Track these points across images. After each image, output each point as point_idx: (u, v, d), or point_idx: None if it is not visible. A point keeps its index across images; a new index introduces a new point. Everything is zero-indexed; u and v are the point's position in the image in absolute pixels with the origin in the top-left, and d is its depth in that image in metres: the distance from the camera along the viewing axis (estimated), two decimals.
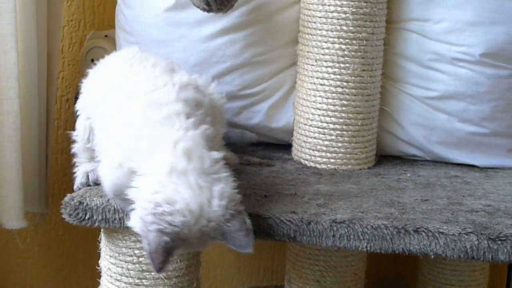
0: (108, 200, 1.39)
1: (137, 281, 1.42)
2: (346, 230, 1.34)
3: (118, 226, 1.39)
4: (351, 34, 1.62)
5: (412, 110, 1.72)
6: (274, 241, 1.37)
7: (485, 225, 1.36)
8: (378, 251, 1.35)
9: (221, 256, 2.29)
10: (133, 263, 1.43)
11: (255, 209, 1.38)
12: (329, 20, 1.62)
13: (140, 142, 1.26)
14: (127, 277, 1.43)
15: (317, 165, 1.68)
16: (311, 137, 1.68)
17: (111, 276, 1.45)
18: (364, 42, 1.62)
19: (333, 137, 1.66)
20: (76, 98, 1.84)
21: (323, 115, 1.66)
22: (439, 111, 1.71)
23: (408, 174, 1.66)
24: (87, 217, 1.39)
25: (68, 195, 1.42)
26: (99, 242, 1.49)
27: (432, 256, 1.34)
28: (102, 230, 1.46)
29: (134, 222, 1.21)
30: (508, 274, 2.27)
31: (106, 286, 1.46)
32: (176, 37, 1.70)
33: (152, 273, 1.42)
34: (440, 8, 1.66)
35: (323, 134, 1.66)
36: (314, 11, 1.63)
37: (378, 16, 1.63)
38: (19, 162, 1.79)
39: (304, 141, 1.69)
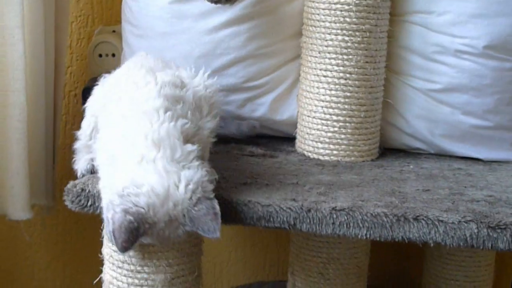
0: None
1: (138, 268, 1.42)
2: (345, 218, 1.35)
3: None
4: (354, 26, 1.62)
5: (415, 102, 1.72)
6: (274, 228, 1.37)
7: (485, 214, 1.36)
8: (378, 239, 1.35)
9: (227, 252, 2.29)
10: (135, 251, 1.43)
11: (255, 196, 1.38)
12: (332, 12, 1.62)
13: (122, 139, 1.30)
14: (128, 264, 1.43)
15: (320, 157, 1.68)
16: (314, 129, 1.68)
17: (113, 264, 1.45)
18: (368, 34, 1.63)
19: (336, 129, 1.67)
20: (84, 92, 1.87)
21: (326, 107, 1.66)
22: (442, 103, 1.71)
23: (411, 166, 1.67)
24: (89, 203, 1.40)
25: (71, 182, 1.43)
26: (102, 230, 1.50)
27: (432, 244, 1.34)
28: None
29: (104, 207, 1.26)
30: None
31: (109, 274, 1.47)
32: (181, 29, 1.72)
33: (154, 260, 1.42)
34: (444, 0, 1.66)
35: (326, 126, 1.67)
36: (317, 2, 1.64)
37: (382, 8, 1.63)
38: (25, 153, 1.80)
39: (307, 133, 1.70)
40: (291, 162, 1.65)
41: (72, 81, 2.19)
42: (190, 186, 1.24)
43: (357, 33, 1.62)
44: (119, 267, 1.44)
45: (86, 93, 1.60)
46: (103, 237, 1.50)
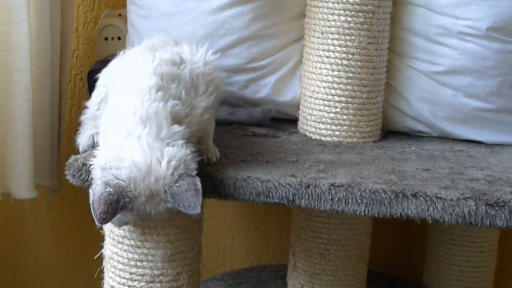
0: None
1: (138, 243, 1.44)
2: (344, 194, 1.35)
3: None
4: (357, 7, 1.62)
5: (418, 85, 1.72)
6: (273, 204, 1.38)
7: (484, 191, 1.36)
8: (376, 215, 1.35)
9: (231, 236, 2.30)
10: (135, 226, 1.44)
11: (255, 172, 1.39)
12: None
13: (113, 114, 1.33)
14: (128, 239, 1.44)
15: (322, 138, 1.69)
16: (316, 110, 1.69)
17: (113, 239, 1.46)
18: (370, 15, 1.63)
19: (338, 110, 1.67)
20: (89, 75, 1.88)
21: (329, 88, 1.67)
22: (445, 86, 1.71)
23: (413, 148, 1.67)
24: (89, 178, 1.40)
25: (72, 157, 1.44)
26: None
27: (430, 221, 1.34)
28: None
29: (92, 187, 1.27)
30: None
31: (109, 249, 1.48)
32: (185, 9, 1.72)
33: (154, 236, 1.43)
34: None
35: (328, 107, 1.67)
36: None
37: None
38: (30, 132, 1.81)
39: (309, 114, 1.70)
40: (293, 142, 1.65)
41: (78, 65, 2.20)
42: (173, 163, 1.25)
43: (359, 14, 1.63)
44: (120, 242, 1.46)
45: (91, 76, 1.62)
46: None
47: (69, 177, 1.43)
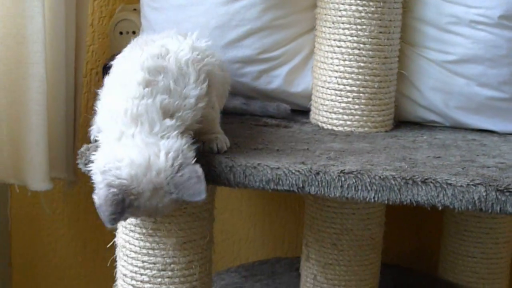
0: None
1: (150, 231, 1.45)
2: (354, 181, 1.35)
3: None
4: None
5: (430, 74, 1.72)
6: (283, 191, 1.38)
7: (495, 178, 1.35)
8: (386, 202, 1.35)
9: (246, 229, 2.31)
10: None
11: (265, 160, 1.40)
12: None
13: (106, 114, 1.34)
14: (140, 227, 1.45)
15: (334, 127, 1.69)
16: (328, 100, 1.69)
17: (125, 227, 1.48)
18: (381, 4, 1.63)
19: (349, 99, 1.67)
20: (104, 69, 1.90)
21: (340, 77, 1.67)
22: (457, 75, 1.70)
23: (425, 137, 1.67)
24: None
25: (84, 145, 1.46)
26: None
27: (440, 207, 1.34)
28: None
29: (94, 194, 1.28)
30: None
31: (121, 237, 1.49)
32: (197, 0, 1.72)
33: (166, 224, 1.44)
34: None
35: (340, 97, 1.67)
36: None
37: None
38: (45, 125, 1.83)
39: (321, 104, 1.70)
40: (304, 131, 1.66)
41: (94, 59, 2.21)
42: (171, 154, 1.26)
43: (371, 3, 1.63)
44: (132, 231, 1.47)
45: (106, 70, 1.63)
46: None
47: (81, 166, 1.44)
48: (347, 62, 1.66)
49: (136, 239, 1.46)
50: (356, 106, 1.67)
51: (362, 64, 1.65)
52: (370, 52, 1.65)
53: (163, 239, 1.45)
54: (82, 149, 1.45)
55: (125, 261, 1.48)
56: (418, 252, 2.29)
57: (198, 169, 1.27)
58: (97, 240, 2.32)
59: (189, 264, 1.47)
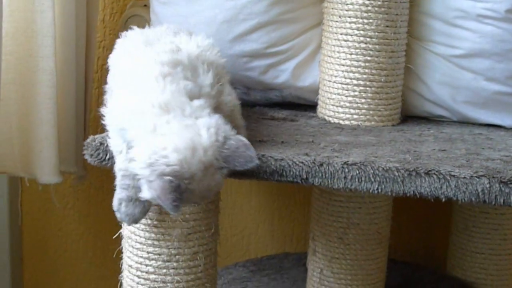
0: None
1: (155, 222, 1.45)
2: (357, 172, 1.36)
3: None
4: None
5: (437, 68, 1.72)
6: (287, 183, 1.39)
7: (499, 170, 1.35)
8: (389, 193, 1.35)
9: (255, 224, 2.31)
10: (152, 205, 1.46)
11: (269, 152, 1.40)
12: None
13: (130, 114, 1.31)
14: (146, 218, 1.45)
15: (341, 121, 1.69)
16: (334, 94, 1.69)
17: None
18: None
19: (356, 93, 1.67)
20: None
21: (347, 71, 1.67)
22: (464, 69, 1.70)
23: (431, 131, 1.67)
24: (107, 157, 1.43)
25: (91, 136, 1.47)
26: None
27: (443, 199, 1.34)
28: None
29: (144, 191, 1.26)
30: None
31: (127, 228, 1.50)
32: None
33: (170, 215, 1.44)
34: None
35: (347, 90, 1.68)
36: None
37: None
38: (54, 118, 1.84)
39: (328, 98, 1.71)
40: (311, 125, 1.66)
41: (105, 55, 2.22)
42: (212, 130, 1.25)
43: None
44: None
45: None
46: None
47: (87, 157, 1.45)
48: (353, 56, 1.66)
49: (142, 230, 1.47)
50: (363, 100, 1.67)
51: (368, 58, 1.66)
52: (377, 46, 1.65)
53: (168, 230, 1.45)
54: (88, 140, 1.45)
55: (130, 252, 1.49)
56: (426, 248, 2.28)
57: (242, 137, 1.27)
58: (108, 234, 2.33)
59: (194, 256, 1.47)
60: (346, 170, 1.36)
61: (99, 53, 2.19)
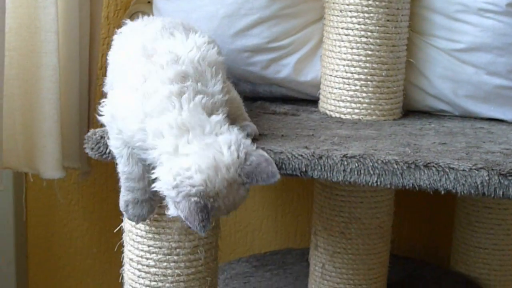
0: None
1: (156, 216, 1.46)
2: (356, 165, 1.36)
3: None
4: None
5: (439, 63, 1.72)
6: (286, 176, 1.39)
7: (498, 162, 1.35)
8: (389, 186, 1.36)
9: (259, 221, 2.32)
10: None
11: (269, 145, 1.41)
12: None
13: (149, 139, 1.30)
14: None
15: (342, 116, 1.69)
16: (336, 88, 1.69)
17: None
18: None
19: (357, 88, 1.67)
20: None
21: (348, 66, 1.67)
22: (466, 63, 1.70)
23: (433, 125, 1.67)
24: (107, 151, 1.43)
25: (91, 130, 1.47)
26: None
27: (442, 192, 1.34)
28: None
29: (171, 209, 1.27)
30: None
31: (128, 222, 1.51)
32: None
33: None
34: None
35: (348, 85, 1.68)
36: None
37: None
38: (57, 114, 1.85)
39: (329, 92, 1.71)
40: (312, 119, 1.66)
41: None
42: (233, 147, 1.25)
43: None
44: None
45: None
46: None
47: (88, 150, 1.46)
48: (354, 51, 1.66)
49: (142, 223, 1.47)
50: (364, 94, 1.67)
51: (369, 52, 1.66)
52: (378, 40, 1.65)
53: (169, 223, 1.46)
54: (89, 133, 1.47)
55: (131, 245, 1.50)
56: (429, 244, 2.28)
57: (263, 152, 1.28)
58: (112, 231, 2.33)
59: (194, 249, 1.48)
60: (345, 163, 1.36)
61: (103, 50, 2.19)
